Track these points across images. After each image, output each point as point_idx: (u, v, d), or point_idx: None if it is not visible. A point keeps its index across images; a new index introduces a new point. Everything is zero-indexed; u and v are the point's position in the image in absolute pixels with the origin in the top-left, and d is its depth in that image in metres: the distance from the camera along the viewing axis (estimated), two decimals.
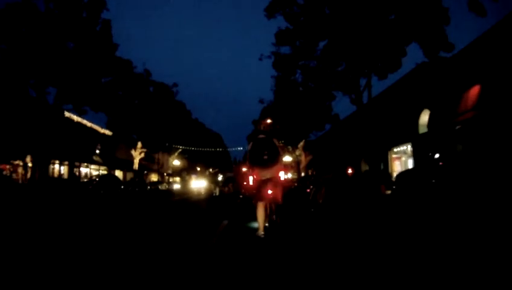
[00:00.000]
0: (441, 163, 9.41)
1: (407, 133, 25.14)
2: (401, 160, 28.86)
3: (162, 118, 48.15)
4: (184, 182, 62.83)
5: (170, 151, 61.89)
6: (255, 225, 6.57)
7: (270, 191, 6.14)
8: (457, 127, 18.52)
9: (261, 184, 6.23)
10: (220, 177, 43.57)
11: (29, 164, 30.66)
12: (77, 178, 37.48)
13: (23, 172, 31.39)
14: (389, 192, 21.95)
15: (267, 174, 6.25)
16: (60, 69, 27.82)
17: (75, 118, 38.76)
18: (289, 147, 49.38)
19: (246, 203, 9.66)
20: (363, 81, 23.95)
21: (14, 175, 31.42)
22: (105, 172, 44.40)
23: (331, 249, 5.34)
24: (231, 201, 18.97)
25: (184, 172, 70.76)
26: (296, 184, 49.00)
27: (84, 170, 42.52)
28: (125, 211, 13.65)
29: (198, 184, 47.26)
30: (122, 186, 34.35)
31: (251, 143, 6.46)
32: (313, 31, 22.37)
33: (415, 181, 8.69)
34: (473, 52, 19.11)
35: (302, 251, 5.20)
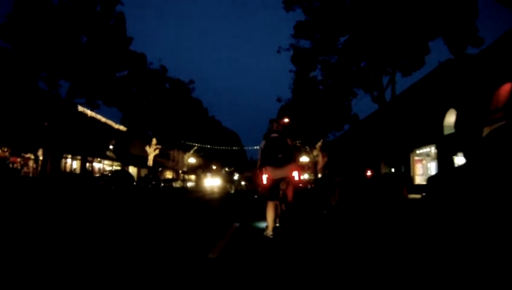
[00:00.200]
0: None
1: (431, 134, 23.83)
2: (423, 163, 27.52)
3: (178, 115, 47.47)
4: (199, 180, 62.20)
5: (186, 149, 61.26)
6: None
7: (281, 191, 6.07)
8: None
9: (273, 183, 6.12)
10: (236, 176, 43.35)
11: (41, 158, 30.19)
12: (89, 173, 37.02)
13: (34, 165, 30.92)
14: (413, 196, 20.80)
15: (280, 173, 6.11)
16: (73, 63, 27.34)
17: (89, 112, 38.30)
18: (306, 147, 48.29)
19: (261, 204, 8.90)
20: (385, 79, 22.78)
21: (25, 168, 31.03)
22: (118, 168, 43.95)
23: (341, 255, 4.95)
24: (245, 200, 18.04)
25: (199, 170, 70.17)
26: (311, 185, 48.19)
27: (97, 166, 42.08)
28: (131, 209, 12.84)
29: (212, 182, 46.64)
30: (135, 183, 33.69)
31: (264, 142, 6.30)
32: (333, 24, 21.22)
33: (463, 186, 7.33)
34: (503, 48, 17.77)
35: (309, 256, 4.84)
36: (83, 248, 5.24)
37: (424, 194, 10.11)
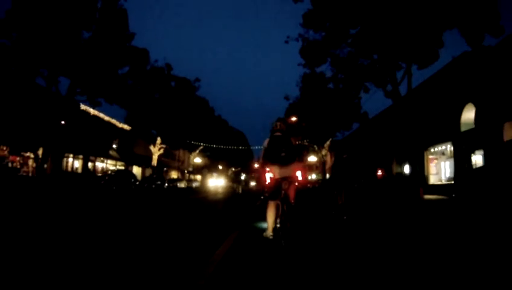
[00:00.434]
0: None
1: (447, 131, 22.59)
2: (437, 161, 26.25)
3: (184, 113, 46.43)
4: (204, 180, 61.28)
5: (191, 149, 60.24)
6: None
7: (283, 191, 5.80)
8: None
9: (276, 183, 5.91)
10: (243, 177, 42.66)
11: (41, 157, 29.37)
12: (91, 173, 36.11)
13: (34, 165, 30.04)
14: (428, 197, 19.60)
15: (283, 172, 5.92)
16: (73, 59, 26.43)
17: (92, 111, 37.46)
18: (315, 146, 47.09)
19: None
20: (398, 74, 21.57)
21: (25, 167, 30.22)
22: (122, 167, 43.08)
23: (347, 261, 4.59)
24: (250, 202, 16.87)
25: (205, 170, 69.20)
26: (317, 185, 47.12)
27: (100, 165, 41.18)
28: (127, 210, 11.92)
29: (216, 183, 45.69)
30: (138, 183, 32.72)
31: (267, 140, 6.15)
32: (344, 15, 20.02)
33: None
34: None
35: (309, 261, 4.58)
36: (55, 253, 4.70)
37: (453, 195, 9.02)
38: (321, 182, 46.52)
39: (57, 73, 27.49)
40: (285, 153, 5.90)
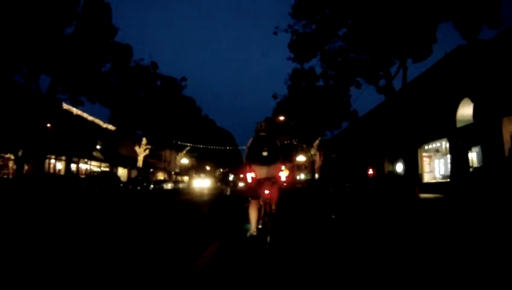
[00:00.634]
0: None
1: (443, 127, 21.91)
2: (431, 159, 25.59)
3: (170, 113, 45.36)
4: (191, 181, 60.21)
5: (178, 149, 59.13)
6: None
7: (266, 191, 5.71)
8: None
9: (257, 182, 5.86)
10: (231, 177, 41.94)
11: None
12: (74, 175, 34.89)
13: (14, 166, 28.77)
14: (424, 195, 18.89)
15: (265, 172, 5.87)
16: (54, 55, 25.24)
17: (75, 110, 36.23)
18: (303, 145, 46.35)
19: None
20: (392, 69, 20.86)
21: (5, 169, 28.99)
22: (106, 169, 41.86)
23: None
24: (237, 205, 15.79)
25: (193, 171, 68.14)
26: (305, 184, 46.41)
27: (83, 167, 39.89)
28: (104, 215, 10.96)
29: (202, 184, 44.62)
30: (122, 185, 31.62)
31: (251, 140, 6.05)
32: (336, 6, 19.24)
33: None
34: None
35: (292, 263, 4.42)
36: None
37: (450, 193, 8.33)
38: (310, 182, 45.81)
39: (37, 70, 26.35)
40: (267, 153, 5.82)
